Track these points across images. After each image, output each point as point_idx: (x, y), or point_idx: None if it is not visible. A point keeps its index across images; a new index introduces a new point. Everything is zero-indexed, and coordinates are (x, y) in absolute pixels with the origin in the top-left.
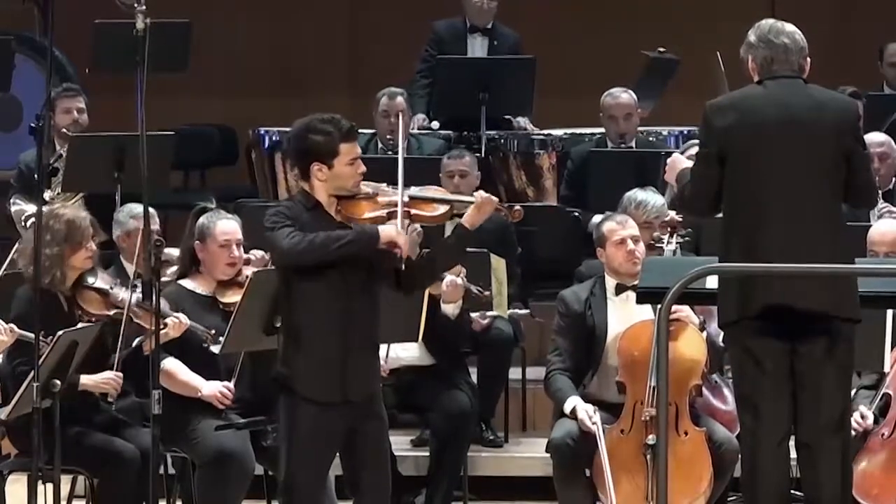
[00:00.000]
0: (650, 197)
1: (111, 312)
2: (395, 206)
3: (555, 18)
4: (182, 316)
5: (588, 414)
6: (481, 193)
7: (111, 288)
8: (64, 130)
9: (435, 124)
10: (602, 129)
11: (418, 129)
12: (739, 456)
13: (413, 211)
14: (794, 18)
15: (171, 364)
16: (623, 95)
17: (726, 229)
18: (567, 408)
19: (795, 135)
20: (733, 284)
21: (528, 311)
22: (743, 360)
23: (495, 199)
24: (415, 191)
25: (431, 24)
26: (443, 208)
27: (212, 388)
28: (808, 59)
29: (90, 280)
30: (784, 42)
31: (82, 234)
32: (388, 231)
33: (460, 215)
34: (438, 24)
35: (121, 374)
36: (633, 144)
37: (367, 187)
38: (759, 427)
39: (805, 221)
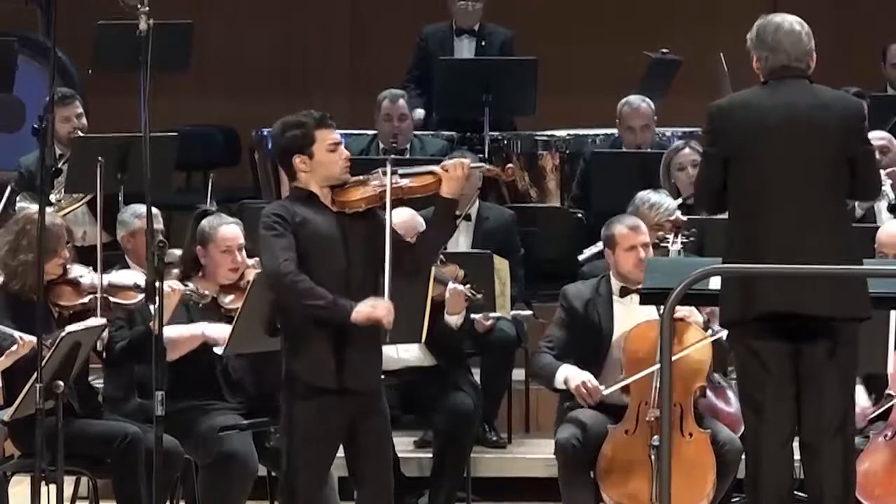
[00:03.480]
0: (663, 199)
1: (86, 300)
2: (385, 186)
3: (557, 19)
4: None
5: (585, 378)
6: (451, 159)
7: (80, 277)
8: (67, 138)
9: (420, 112)
10: (606, 130)
11: (415, 119)
12: (743, 457)
13: (405, 184)
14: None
15: (168, 332)
16: (641, 105)
17: (730, 230)
18: (559, 379)
19: (799, 135)
20: (735, 286)
21: (531, 312)
22: (747, 360)
23: (468, 161)
24: (404, 170)
25: (421, 29)
26: (432, 178)
27: (215, 330)
28: (815, 56)
29: (58, 273)
30: (788, 41)
31: (57, 241)
32: (364, 312)
33: (467, 217)
34: (426, 29)
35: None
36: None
37: (356, 176)
38: (762, 428)
39: (808, 223)
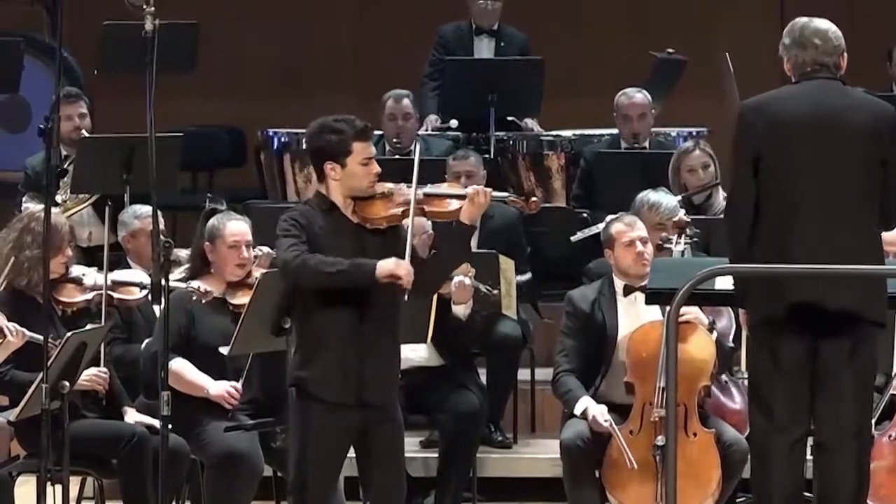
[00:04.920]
0: (663, 198)
1: (89, 296)
2: (409, 204)
3: (563, 19)
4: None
5: (601, 413)
6: (474, 187)
7: (83, 275)
8: (69, 137)
9: (454, 122)
10: (612, 130)
11: (432, 129)
12: (749, 457)
13: (427, 208)
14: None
15: (179, 364)
16: (637, 95)
17: (754, 228)
18: (578, 409)
19: (827, 135)
20: (759, 284)
21: (529, 275)
22: (760, 360)
23: (491, 191)
24: (429, 188)
25: (438, 28)
26: (457, 203)
27: (219, 388)
28: (845, 56)
29: (61, 272)
30: (815, 43)
31: (61, 239)
32: (386, 266)
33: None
34: (444, 28)
35: (105, 371)
36: (647, 145)
37: (382, 187)
38: (772, 428)
39: (835, 222)
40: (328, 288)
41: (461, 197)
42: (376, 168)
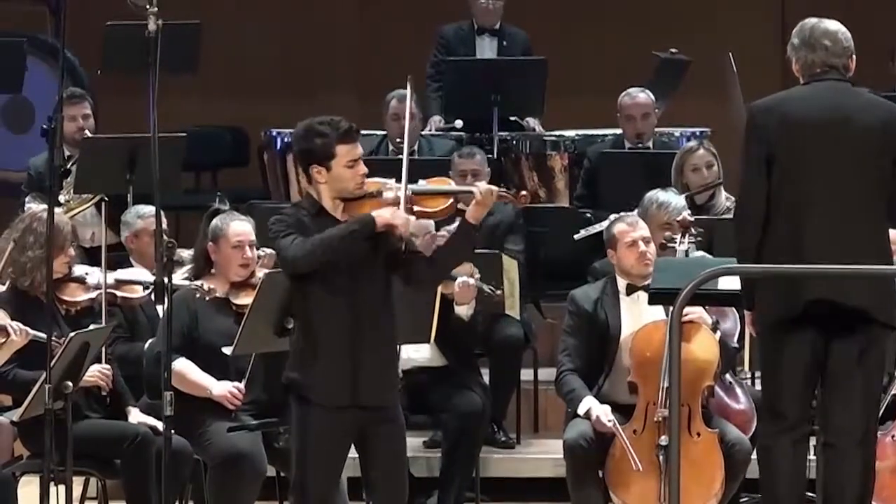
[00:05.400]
0: (672, 198)
1: (93, 295)
2: (398, 203)
3: (565, 19)
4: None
5: (605, 413)
6: (481, 186)
7: (86, 274)
8: (72, 137)
9: (459, 123)
10: (615, 130)
11: (436, 129)
12: (752, 457)
13: (416, 207)
14: (803, 18)
15: (182, 364)
16: (641, 95)
17: (766, 228)
18: (582, 409)
19: (838, 135)
20: (769, 283)
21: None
22: (769, 360)
23: (496, 189)
24: (420, 184)
25: (438, 28)
26: (447, 201)
27: (222, 389)
28: (854, 58)
29: (64, 272)
30: (825, 44)
31: (64, 239)
32: (382, 216)
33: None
34: (445, 29)
35: (108, 367)
36: (651, 145)
37: (372, 185)
38: (781, 428)
39: (846, 222)
40: (339, 260)
41: (450, 193)
42: (363, 169)
